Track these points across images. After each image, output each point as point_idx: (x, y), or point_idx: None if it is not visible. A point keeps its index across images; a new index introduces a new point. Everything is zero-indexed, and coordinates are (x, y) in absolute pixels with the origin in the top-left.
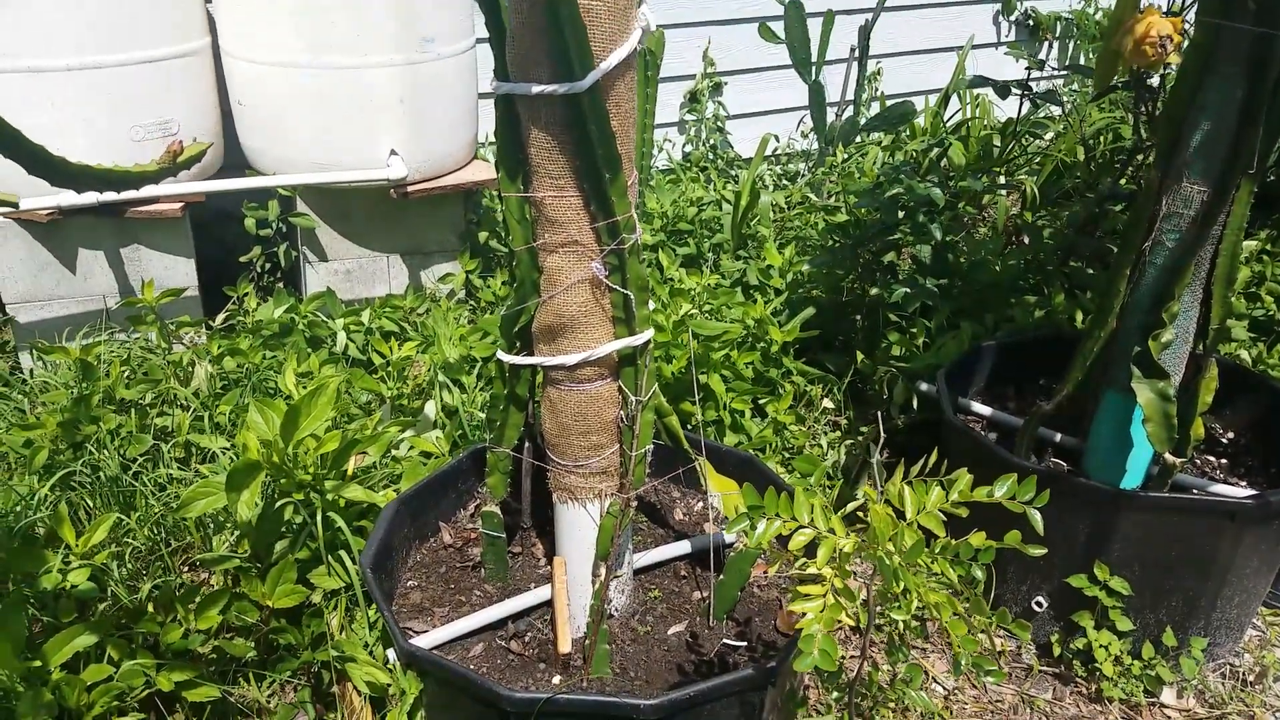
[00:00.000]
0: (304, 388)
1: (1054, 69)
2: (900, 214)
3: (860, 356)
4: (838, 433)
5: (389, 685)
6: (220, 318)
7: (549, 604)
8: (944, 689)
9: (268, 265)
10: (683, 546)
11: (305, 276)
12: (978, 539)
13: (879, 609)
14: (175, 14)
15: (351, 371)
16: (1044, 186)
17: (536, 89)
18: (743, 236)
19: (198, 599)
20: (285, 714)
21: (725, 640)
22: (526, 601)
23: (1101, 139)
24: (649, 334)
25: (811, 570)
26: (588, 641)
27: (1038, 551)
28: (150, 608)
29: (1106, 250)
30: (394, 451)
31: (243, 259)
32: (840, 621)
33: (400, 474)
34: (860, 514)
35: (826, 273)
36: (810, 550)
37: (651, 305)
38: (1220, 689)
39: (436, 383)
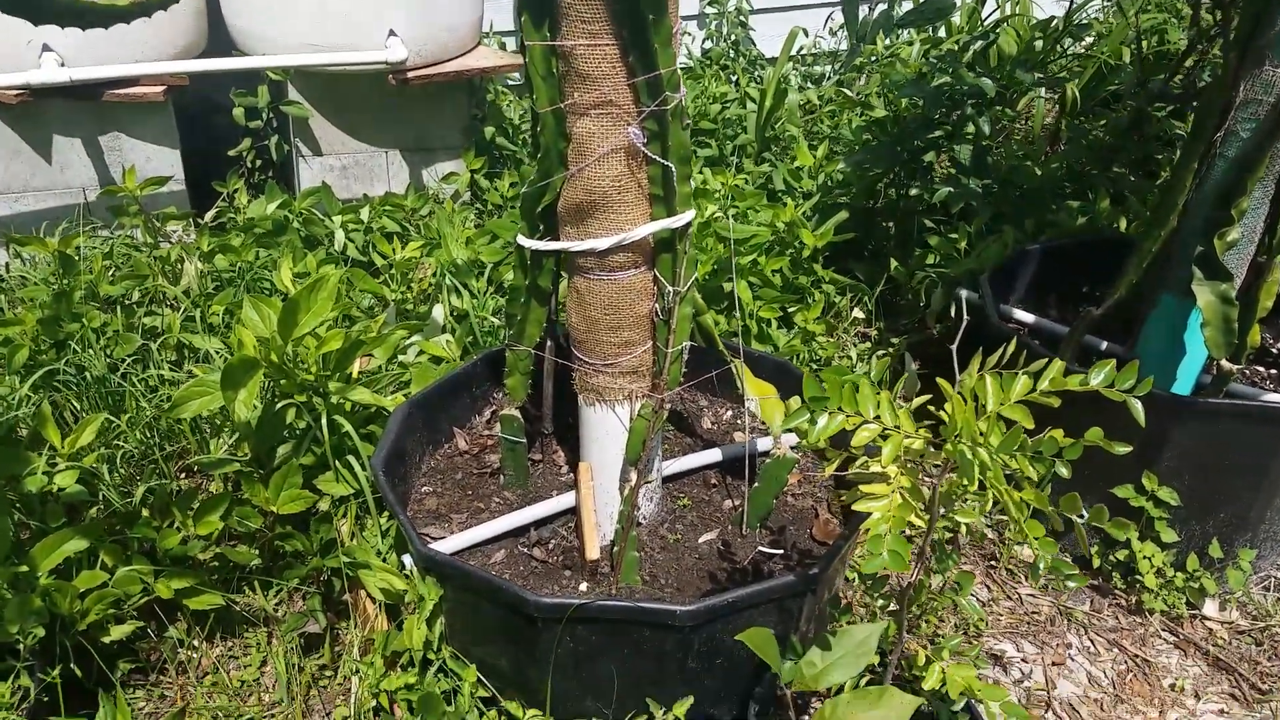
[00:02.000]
0: (298, 284)
1: None
2: (945, 107)
3: (894, 264)
4: (868, 344)
5: (404, 593)
6: (210, 214)
7: (573, 511)
8: (980, 600)
9: (258, 161)
10: (713, 454)
11: (298, 172)
12: (1057, 434)
13: (942, 511)
14: None
15: (352, 271)
16: (1085, 91)
17: None
18: (767, 140)
19: (196, 503)
20: (294, 623)
21: (760, 548)
22: (550, 508)
23: (1145, 41)
24: (690, 215)
25: (875, 469)
26: (616, 549)
27: (1123, 449)
28: (146, 513)
29: (1152, 155)
30: (401, 357)
31: (231, 152)
32: (910, 522)
33: (409, 380)
34: (930, 408)
35: (862, 174)
36: (872, 450)
37: (692, 183)
38: (1264, 602)
39: (444, 286)
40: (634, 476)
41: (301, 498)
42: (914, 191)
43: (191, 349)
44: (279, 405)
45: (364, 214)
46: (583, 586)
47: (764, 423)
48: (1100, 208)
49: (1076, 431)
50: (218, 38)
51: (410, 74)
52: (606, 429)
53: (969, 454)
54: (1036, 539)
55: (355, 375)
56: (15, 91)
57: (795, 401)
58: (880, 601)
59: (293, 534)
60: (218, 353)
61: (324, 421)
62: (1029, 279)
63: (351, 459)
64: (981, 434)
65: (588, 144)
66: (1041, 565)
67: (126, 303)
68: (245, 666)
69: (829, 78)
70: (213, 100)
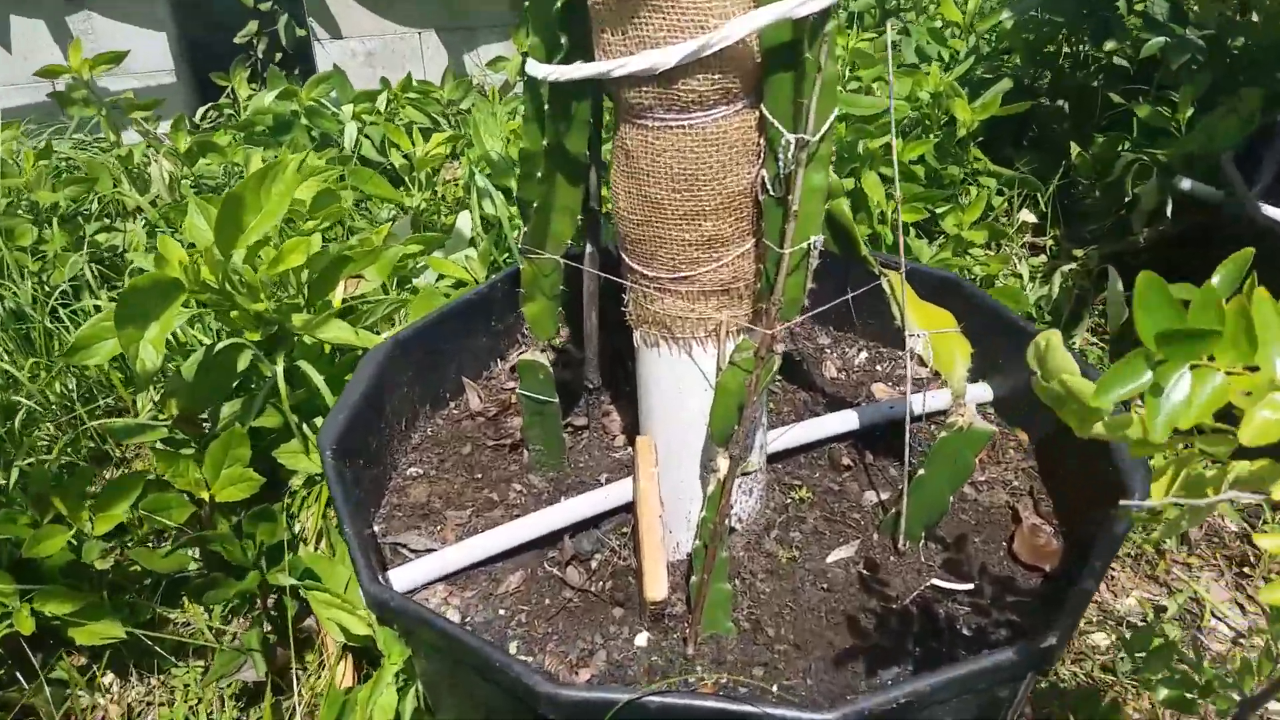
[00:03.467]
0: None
1: None
2: None
3: (1074, 149)
4: (1041, 257)
5: (372, 638)
6: (201, 111)
7: (629, 509)
8: None
9: (273, 49)
10: (846, 419)
11: (316, 60)
12: None
13: None
14: None
15: (359, 173)
16: None
17: None
18: (889, 11)
19: (93, 487)
20: (222, 666)
21: (933, 580)
22: (594, 505)
23: None
24: None
25: None
26: (695, 578)
27: None
28: (20, 500)
29: None
30: (416, 281)
31: (237, 38)
32: None
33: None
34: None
35: (1030, 31)
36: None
37: None
38: None
39: (474, 188)
40: (723, 464)
41: (247, 480)
42: (1109, 45)
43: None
44: (220, 345)
45: (381, 102)
46: (640, 640)
47: (934, 372)
48: None
49: None
50: None
51: None
52: (679, 384)
53: None
54: None
55: (339, 304)
56: None
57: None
58: (1166, 692)
59: (226, 537)
60: None
61: (280, 369)
62: (1276, 165)
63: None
64: None
65: None
66: None
67: (71, 215)
68: None
69: None
70: None
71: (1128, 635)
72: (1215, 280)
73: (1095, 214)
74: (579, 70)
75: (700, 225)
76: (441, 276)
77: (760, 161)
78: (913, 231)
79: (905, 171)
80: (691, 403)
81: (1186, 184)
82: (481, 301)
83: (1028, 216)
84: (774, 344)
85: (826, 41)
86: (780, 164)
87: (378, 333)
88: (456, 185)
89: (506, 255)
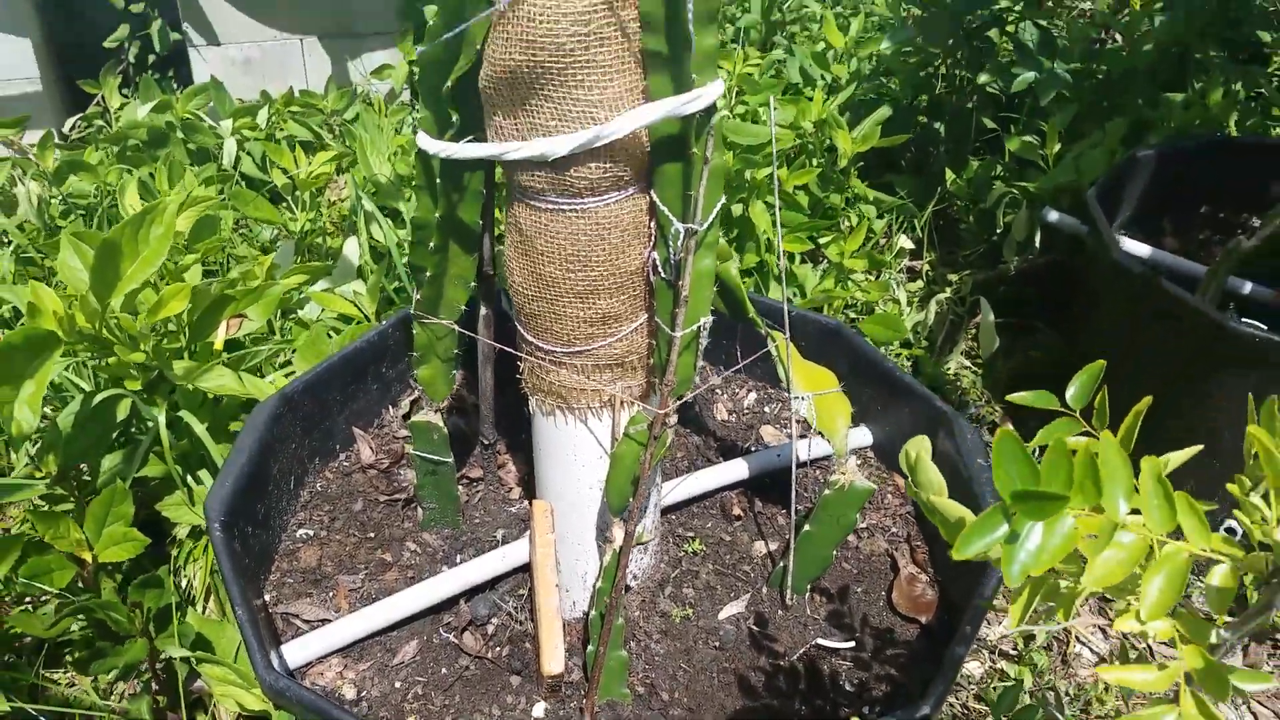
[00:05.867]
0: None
1: None
2: None
3: (949, 176)
4: (918, 284)
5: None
6: (70, 123)
7: (525, 569)
8: None
9: (146, 54)
10: (736, 469)
11: (192, 66)
12: None
13: None
14: None
15: (240, 195)
16: None
17: None
18: (774, 25)
19: None
20: None
21: (817, 640)
22: (491, 569)
23: None
24: (716, 88)
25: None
26: (590, 649)
27: None
28: None
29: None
30: (301, 312)
31: (108, 43)
32: None
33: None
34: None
35: (909, 57)
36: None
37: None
38: None
39: (361, 212)
40: (619, 534)
41: (131, 540)
42: (983, 78)
43: (12, 316)
44: (99, 397)
45: (262, 117)
46: (538, 711)
47: (819, 432)
48: (1210, 101)
49: None
50: None
51: None
52: (574, 452)
53: None
54: None
55: (219, 346)
56: None
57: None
58: None
59: (112, 605)
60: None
61: (162, 419)
62: (1138, 197)
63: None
64: None
65: None
66: None
67: None
68: None
69: None
70: None
71: (1000, 665)
72: (1070, 392)
73: (969, 239)
74: (471, 150)
75: (594, 303)
76: (322, 309)
77: (652, 244)
78: (798, 258)
79: (789, 200)
80: (587, 469)
81: (1054, 216)
82: (372, 349)
83: (905, 243)
84: (667, 421)
85: (712, 135)
86: (670, 249)
87: (262, 375)
88: (342, 204)
89: (396, 285)
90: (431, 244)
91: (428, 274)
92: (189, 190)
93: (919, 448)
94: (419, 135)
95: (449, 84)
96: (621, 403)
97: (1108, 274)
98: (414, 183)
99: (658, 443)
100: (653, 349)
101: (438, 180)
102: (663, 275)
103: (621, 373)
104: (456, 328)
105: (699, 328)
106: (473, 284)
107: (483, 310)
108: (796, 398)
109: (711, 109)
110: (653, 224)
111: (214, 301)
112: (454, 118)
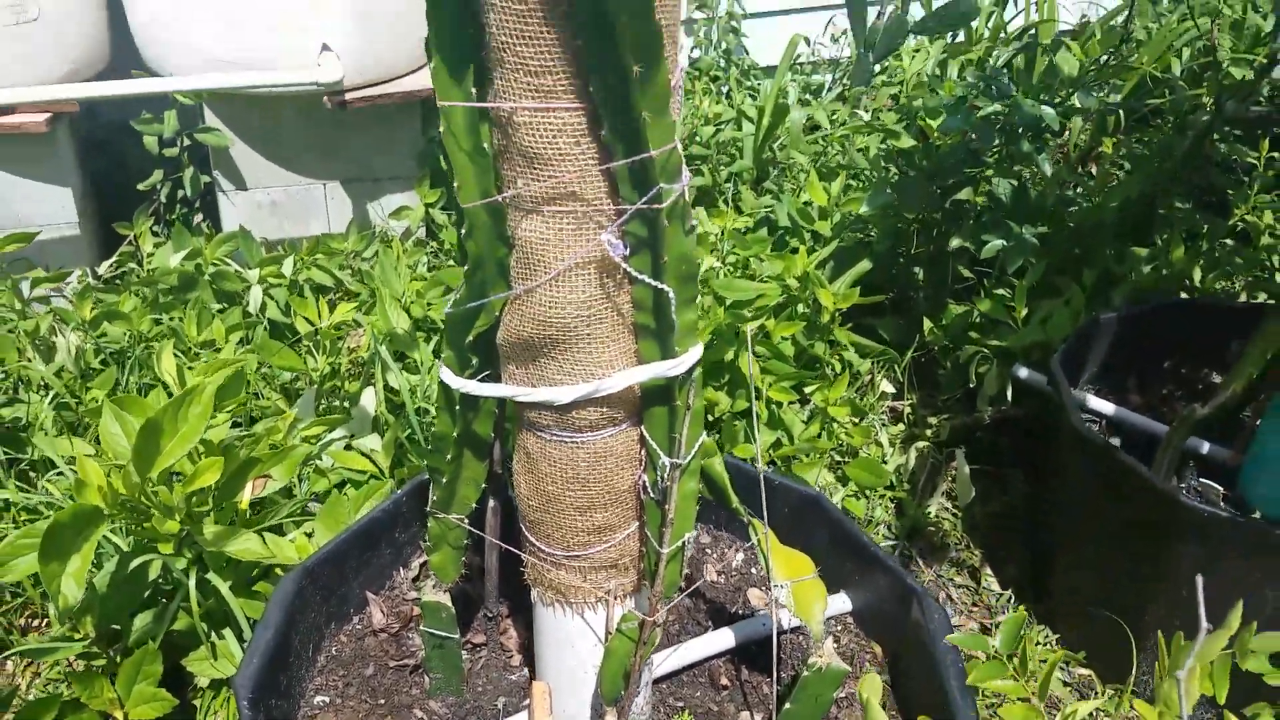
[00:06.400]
0: (192, 372)
1: None
2: (997, 138)
3: (928, 325)
4: (900, 426)
5: None
6: (106, 265)
7: None
8: None
9: (179, 193)
10: (723, 638)
11: (220, 208)
12: None
13: None
14: None
15: (265, 345)
16: (1127, 104)
17: None
18: (765, 162)
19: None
20: None
21: None
22: None
23: (1186, 50)
24: (695, 353)
25: None
26: None
27: None
28: None
29: (1224, 189)
30: (317, 462)
31: (141, 186)
32: None
33: (324, 494)
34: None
35: (887, 217)
36: None
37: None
38: None
39: (379, 362)
40: (612, 719)
41: (159, 699)
42: (955, 243)
43: (46, 466)
44: (135, 563)
45: (287, 266)
46: None
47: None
48: (1174, 256)
49: None
50: (128, 47)
51: (349, 96)
52: (571, 641)
53: None
54: None
55: (245, 506)
56: None
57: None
58: None
59: None
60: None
61: (192, 583)
62: (1103, 354)
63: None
64: None
65: (539, 254)
66: None
67: None
68: None
69: (829, 88)
70: (125, 123)
71: None
72: (998, 640)
73: (947, 384)
74: (487, 389)
75: (592, 516)
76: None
77: (642, 467)
78: (786, 403)
79: (777, 351)
80: (584, 656)
81: (1024, 372)
82: (387, 517)
83: (887, 386)
84: (656, 624)
85: (692, 386)
86: (658, 475)
87: (283, 531)
88: (359, 350)
89: (409, 432)
90: (449, 455)
91: (444, 479)
92: (215, 336)
93: (871, 691)
94: (442, 370)
95: (470, 338)
96: (615, 598)
97: (1070, 439)
98: (435, 404)
99: (646, 643)
100: (643, 553)
101: (457, 406)
102: (652, 495)
103: (615, 573)
104: (467, 524)
105: (683, 545)
106: (484, 485)
107: (491, 502)
108: (776, 585)
109: (694, 370)
110: (643, 452)
111: (241, 465)
112: (474, 360)
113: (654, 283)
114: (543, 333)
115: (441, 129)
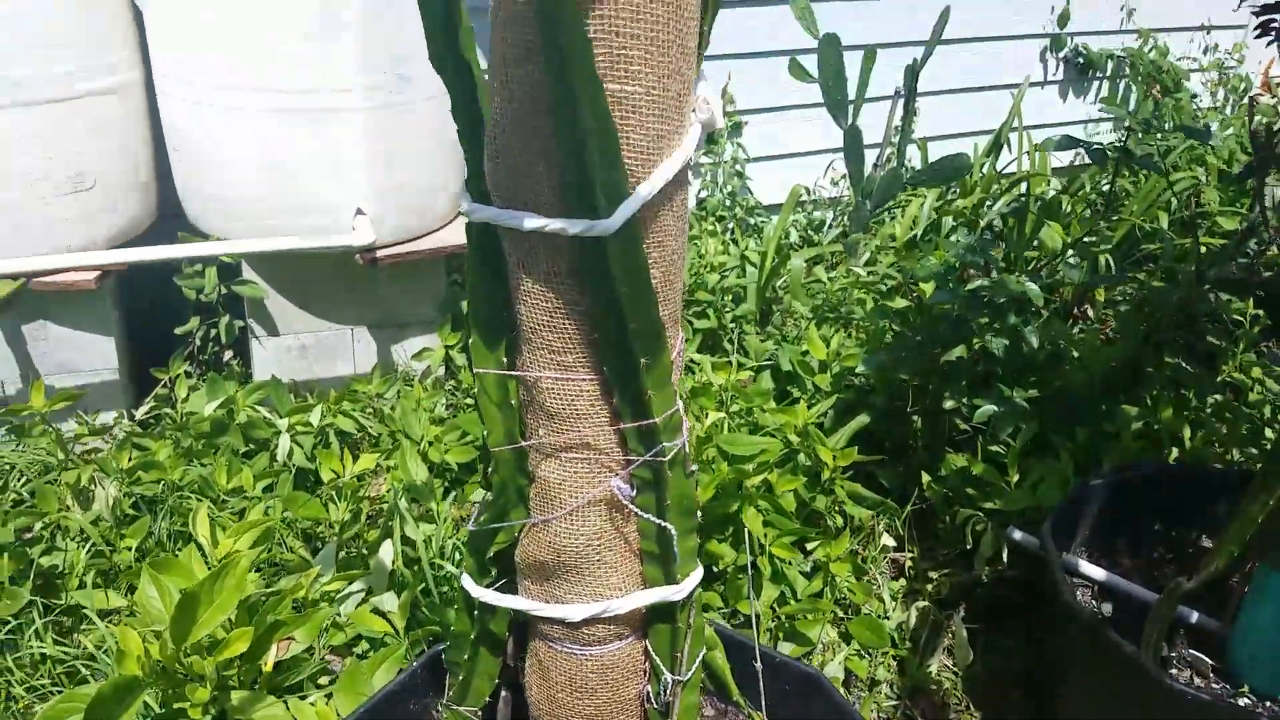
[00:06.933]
0: (222, 530)
1: (1100, 110)
2: (984, 312)
3: (926, 480)
4: (901, 580)
5: None
6: (143, 409)
7: None
8: None
9: (211, 338)
10: None
11: (252, 352)
12: None
13: None
14: (93, 39)
15: (292, 498)
16: (1116, 258)
17: (533, 223)
18: (768, 301)
19: None
20: None
21: None
22: None
23: (1174, 200)
24: (696, 577)
25: None
26: None
27: None
28: None
29: (1211, 349)
30: (336, 617)
31: (178, 331)
32: None
33: (346, 644)
34: None
35: (883, 376)
36: None
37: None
38: None
39: (397, 515)
40: None
41: None
42: (948, 404)
43: (79, 617)
44: None
45: (315, 416)
46: None
47: None
48: (1163, 417)
49: None
50: (174, 198)
51: (380, 254)
52: None
53: None
54: None
55: (269, 668)
56: None
57: None
58: None
59: None
60: (123, 613)
61: None
62: (1093, 520)
63: None
64: None
65: (556, 492)
66: None
67: (19, 545)
68: None
69: (830, 225)
70: (167, 276)
71: None
72: None
73: (944, 540)
74: (506, 601)
75: None
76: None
77: (646, 678)
78: (789, 559)
79: (779, 505)
80: None
81: (1017, 535)
82: (402, 689)
83: (888, 540)
84: None
85: (692, 607)
86: (661, 686)
87: (304, 694)
88: (378, 499)
89: (421, 586)
90: (466, 654)
91: (460, 674)
92: (245, 484)
93: None
94: (464, 578)
95: (491, 551)
96: None
97: (1061, 610)
98: (457, 602)
99: None
100: None
101: (475, 610)
102: (655, 706)
103: None
104: (479, 717)
105: None
106: (496, 679)
107: (504, 692)
108: None
109: (694, 593)
110: (647, 664)
111: (267, 629)
112: (493, 570)
113: (658, 521)
114: (557, 558)
115: (475, 389)
